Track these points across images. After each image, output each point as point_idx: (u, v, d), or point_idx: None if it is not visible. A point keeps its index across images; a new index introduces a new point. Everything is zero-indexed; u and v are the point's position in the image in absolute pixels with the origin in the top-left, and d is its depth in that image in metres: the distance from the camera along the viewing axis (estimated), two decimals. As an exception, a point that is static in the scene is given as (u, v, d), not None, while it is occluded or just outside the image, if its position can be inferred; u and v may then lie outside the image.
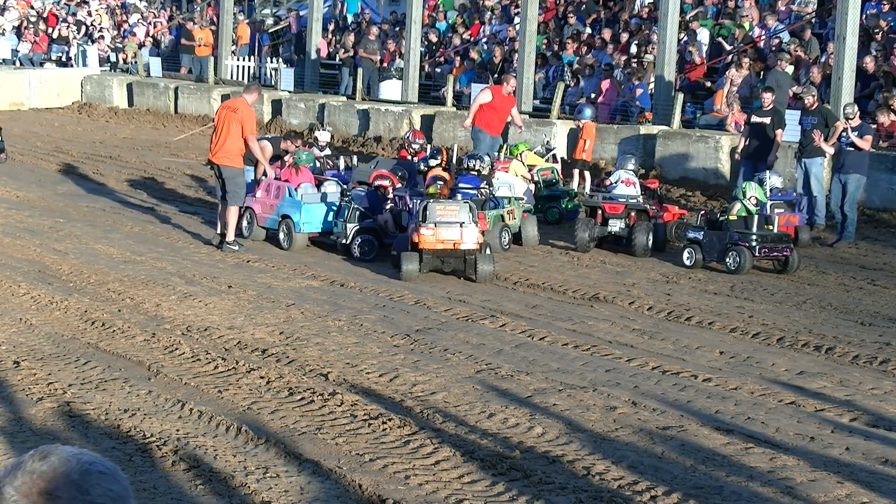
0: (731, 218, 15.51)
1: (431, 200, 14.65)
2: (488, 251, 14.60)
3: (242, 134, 16.05)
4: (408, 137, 19.87)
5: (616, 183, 16.66)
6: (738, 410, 9.45)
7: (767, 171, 17.17)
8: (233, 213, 16.14)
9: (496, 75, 27.30)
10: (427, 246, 14.30)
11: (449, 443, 8.50)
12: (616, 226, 16.23)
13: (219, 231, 16.41)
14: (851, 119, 17.48)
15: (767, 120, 18.41)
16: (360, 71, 29.47)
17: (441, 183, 15.75)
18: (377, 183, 16.47)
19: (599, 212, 16.35)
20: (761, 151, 18.39)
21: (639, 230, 15.94)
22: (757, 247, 15.11)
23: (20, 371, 10.22)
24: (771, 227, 15.48)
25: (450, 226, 14.30)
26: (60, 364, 10.52)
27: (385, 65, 30.61)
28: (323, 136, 20.41)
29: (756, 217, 15.43)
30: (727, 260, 15.20)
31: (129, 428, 8.76)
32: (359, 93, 29.10)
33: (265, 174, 16.88)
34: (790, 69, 22.53)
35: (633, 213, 16.28)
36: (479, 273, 14.27)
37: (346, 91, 30.29)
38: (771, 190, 16.92)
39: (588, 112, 21.04)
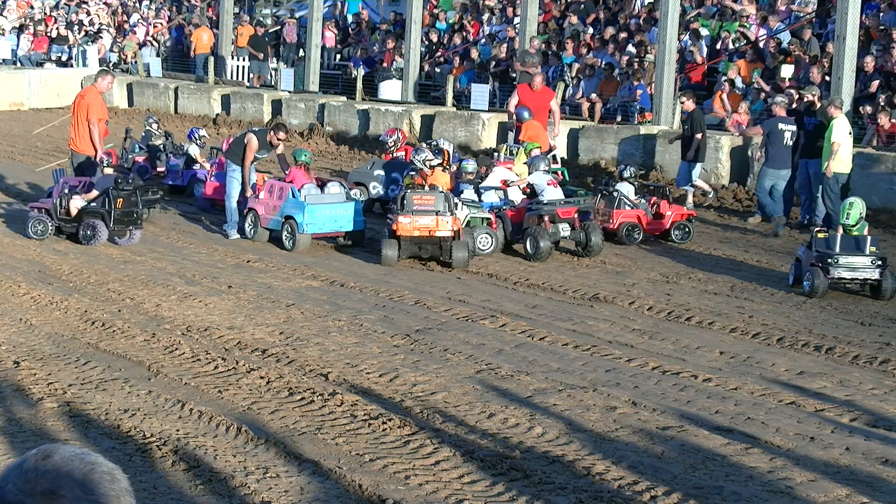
0: (819, 235, 14.05)
1: (409, 190, 15.53)
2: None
3: (86, 118, 16.82)
4: (383, 138, 20.27)
5: (541, 186, 16.06)
6: (738, 410, 9.45)
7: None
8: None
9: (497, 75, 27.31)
10: (405, 233, 15.15)
11: (449, 443, 8.50)
12: (566, 230, 15.92)
13: None
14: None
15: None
16: (359, 71, 29.47)
17: (414, 174, 16.70)
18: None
19: (546, 218, 15.74)
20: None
21: (593, 232, 15.82)
22: (831, 268, 13.63)
23: (20, 371, 10.22)
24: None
25: (426, 214, 15.10)
26: (60, 364, 10.52)
27: (385, 65, 30.59)
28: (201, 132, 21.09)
29: (839, 236, 13.83)
30: (804, 282, 13.90)
31: (129, 428, 8.76)
32: (359, 93, 29.07)
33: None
34: (790, 69, 22.52)
35: (576, 216, 15.97)
36: (454, 259, 15.04)
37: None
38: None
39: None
